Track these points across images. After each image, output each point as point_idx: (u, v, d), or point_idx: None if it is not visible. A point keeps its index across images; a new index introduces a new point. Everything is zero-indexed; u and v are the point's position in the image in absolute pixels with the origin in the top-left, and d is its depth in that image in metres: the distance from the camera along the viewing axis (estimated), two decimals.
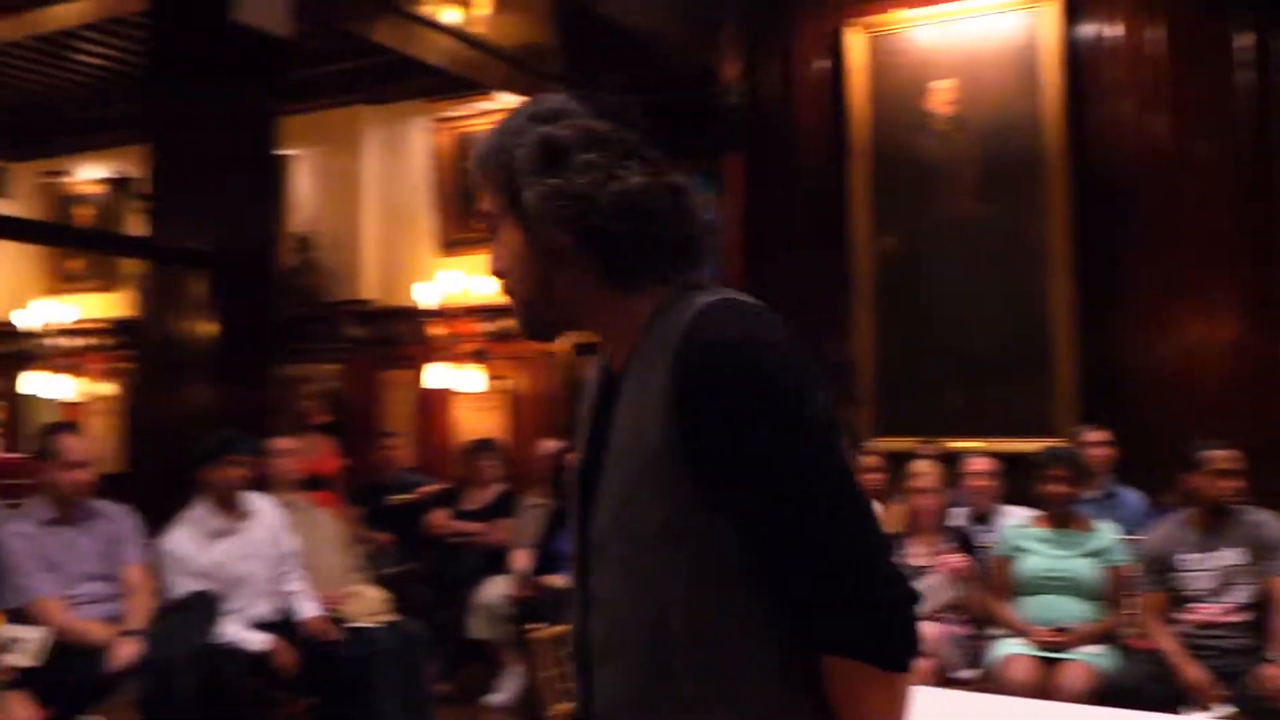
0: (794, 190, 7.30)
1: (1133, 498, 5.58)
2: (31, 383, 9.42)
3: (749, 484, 1.35)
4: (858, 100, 7.06)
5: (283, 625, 4.67)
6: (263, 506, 4.83)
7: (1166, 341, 6.32)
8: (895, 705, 1.37)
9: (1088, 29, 6.59)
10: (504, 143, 1.47)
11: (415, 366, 8.52)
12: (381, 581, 5.47)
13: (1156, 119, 6.44)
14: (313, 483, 5.94)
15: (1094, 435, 5.66)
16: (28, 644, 3.86)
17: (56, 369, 9.49)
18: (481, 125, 8.75)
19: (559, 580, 5.25)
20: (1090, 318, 6.41)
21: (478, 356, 8.25)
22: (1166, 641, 4.29)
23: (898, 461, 5.43)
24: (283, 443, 5.28)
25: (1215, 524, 4.37)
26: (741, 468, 1.35)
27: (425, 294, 8.20)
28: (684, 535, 1.38)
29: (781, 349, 1.38)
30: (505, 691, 5.75)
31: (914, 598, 1.37)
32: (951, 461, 5.61)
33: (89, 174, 10.00)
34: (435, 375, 8.15)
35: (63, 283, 10.21)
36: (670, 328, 1.40)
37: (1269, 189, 6.17)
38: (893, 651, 1.35)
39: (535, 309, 1.52)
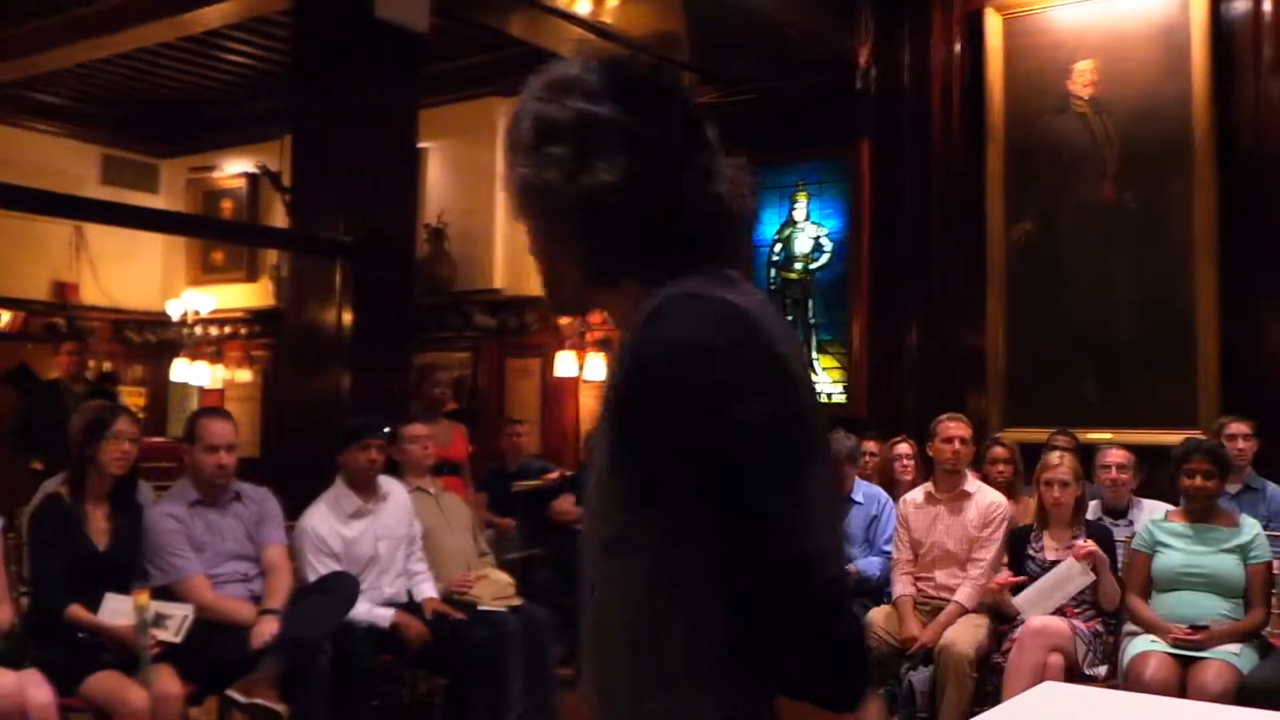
0: (927, 176, 7.18)
1: (1276, 491, 5.37)
2: (177, 369, 9.84)
3: (666, 503, 1.25)
4: (994, 83, 6.90)
5: (408, 605, 4.81)
6: (395, 489, 4.97)
7: None
8: None
9: (1238, 4, 6.33)
10: (518, 112, 1.40)
11: (543, 355, 8.64)
12: (506, 566, 5.58)
13: None
14: (443, 468, 6.08)
15: (1237, 427, 5.45)
16: (173, 620, 4.03)
17: (200, 356, 9.88)
18: None
19: None
20: (1235, 307, 6.17)
21: (603, 345, 8.33)
22: None
23: (1032, 453, 5.33)
24: (416, 428, 5.41)
25: None
26: (659, 483, 1.25)
27: None
28: (637, 549, 1.30)
29: (721, 353, 1.24)
30: None
31: (852, 628, 1.28)
32: (1087, 453, 5.48)
33: (234, 169, 10.39)
34: (562, 364, 8.25)
35: (207, 273, 10.62)
36: (633, 326, 1.32)
37: None
38: (829, 690, 1.22)
39: (550, 288, 1.47)
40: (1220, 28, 6.31)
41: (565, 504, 6.70)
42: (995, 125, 6.90)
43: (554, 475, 7.03)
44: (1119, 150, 6.55)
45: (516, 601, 5.10)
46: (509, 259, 8.88)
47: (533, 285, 8.49)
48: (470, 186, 8.87)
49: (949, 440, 5.09)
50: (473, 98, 8.68)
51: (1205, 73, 6.29)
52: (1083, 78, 6.67)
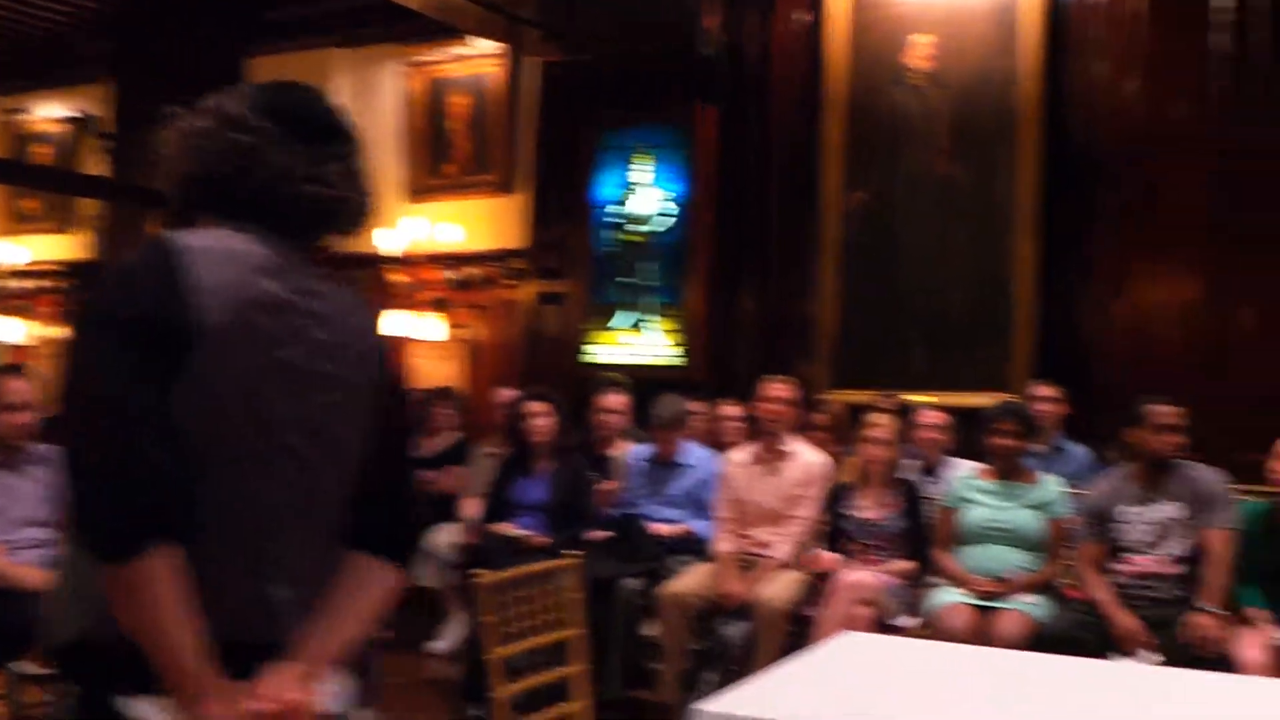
0: (768, 143, 7.26)
1: (1080, 452, 5.61)
2: None
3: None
4: (835, 54, 6.98)
5: None
6: None
7: (1125, 303, 6.33)
8: (123, 592, 1.48)
9: None
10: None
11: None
12: None
13: (1132, 81, 6.41)
14: None
15: (1045, 391, 5.68)
16: None
17: (7, 311, 9.39)
18: (456, 70, 8.68)
19: (509, 528, 5.26)
20: (1053, 278, 6.41)
21: (438, 305, 8.22)
22: (1101, 591, 4.33)
23: (860, 414, 5.44)
24: None
25: (1155, 478, 4.40)
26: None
27: (388, 240, 8.15)
28: None
29: (124, 270, 1.60)
30: (448, 638, 5.76)
31: (140, 498, 1.48)
32: (908, 415, 5.63)
33: (49, 112, 9.88)
34: (394, 323, 8.12)
35: (19, 223, 10.09)
36: None
37: (1239, 154, 6.15)
38: (95, 540, 1.50)
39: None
40: (1052, 9, 6.51)
41: None
42: (835, 95, 6.99)
43: None
44: (952, 124, 6.71)
45: None
46: None
47: (365, 242, 8.34)
48: None
49: (770, 401, 5.17)
50: (311, 47, 8.45)
51: (1036, 52, 6.47)
52: (920, 51, 6.82)
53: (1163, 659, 4.06)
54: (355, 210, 1.78)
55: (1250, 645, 4.10)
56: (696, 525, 5.48)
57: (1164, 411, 4.37)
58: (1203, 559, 4.29)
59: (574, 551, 4.04)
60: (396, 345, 6.34)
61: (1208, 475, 4.40)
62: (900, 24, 6.86)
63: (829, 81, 6.98)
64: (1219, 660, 4.06)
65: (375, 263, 8.24)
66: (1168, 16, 6.34)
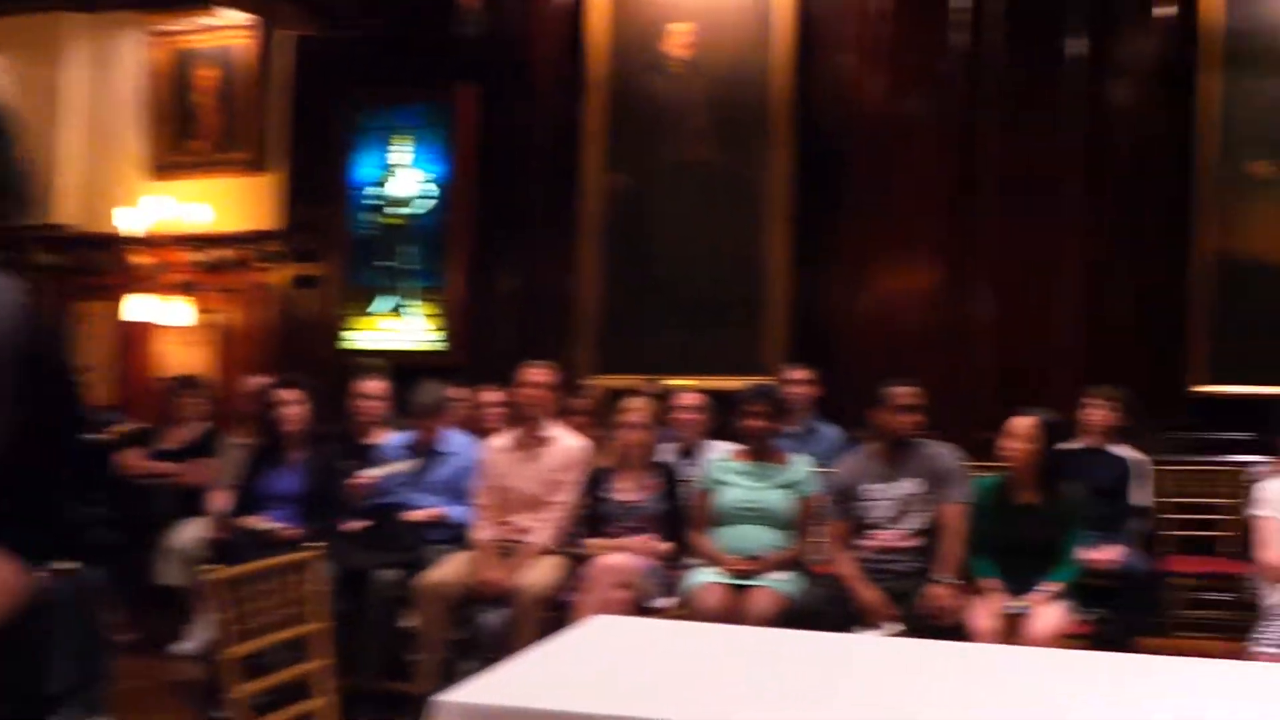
0: (529, 124, 7.22)
1: (831, 433, 5.82)
2: None
3: None
4: (596, 37, 7.01)
5: None
6: None
7: (872, 289, 6.62)
8: None
9: None
10: None
11: (115, 297, 7.96)
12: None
13: (875, 77, 6.68)
14: None
15: (797, 374, 5.86)
16: None
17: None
18: (202, 41, 8.25)
19: (259, 521, 5.04)
20: (804, 264, 6.63)
21: (186, 288, 7.82)
22: (847, 566, 4.50)
23: (622, 398, 5.47)
24: None
25: (896, 456, 4.60)
26: None
27: (130, 220, 7.68)
28: None
29: None
30: (195, 639, 5.49)
31: None
32: (667, 398, 5.70)
33: None
34: (137, 307, 7.67)
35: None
36: None
37: (973, 148, 6.51)
38: None
39: None
40: (803, 3, 6.70)
41: (133, 458, 6.23)
42: (597, 78, 7.01)
43: (123, 428, 6.52)
44: (709, 111, 6.84)
45: (65, 565, 4.66)
46: (79, 192, 8.12)
47: (105, 221, 7.89)
48: (33, 109, 8.03)
49: (528, 386, 5.13)
50: (39, 10, 7.86)
51: (787, 45, 6.68)
52: (679, 39, 6.91)
53: (903, 629, 4.25)
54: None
55: (982, 614, 4.33)
56: (456, 512, 5.39)
57: (903, 393, 4.57)
58: (940, 533, 4.51)
59: (327, 543, 3.89)
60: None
61: (944, 453, 4.63)
62: (660, 11, 6.93)
63: (591, 65, 6.99)
64: (955, 629, 4.28)
65: (115, 243, 7.75)
66: (909, 14, 6.64)
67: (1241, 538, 4.81)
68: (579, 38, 7.03)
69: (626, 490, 4.94)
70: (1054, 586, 4.37)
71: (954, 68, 6.56)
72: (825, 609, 4.37)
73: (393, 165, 7.47)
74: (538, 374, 5.16)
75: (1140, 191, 6.36)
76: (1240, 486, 5.41)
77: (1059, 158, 6.42)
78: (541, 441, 5.13)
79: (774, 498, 4.74)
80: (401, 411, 5.75)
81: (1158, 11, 6.34)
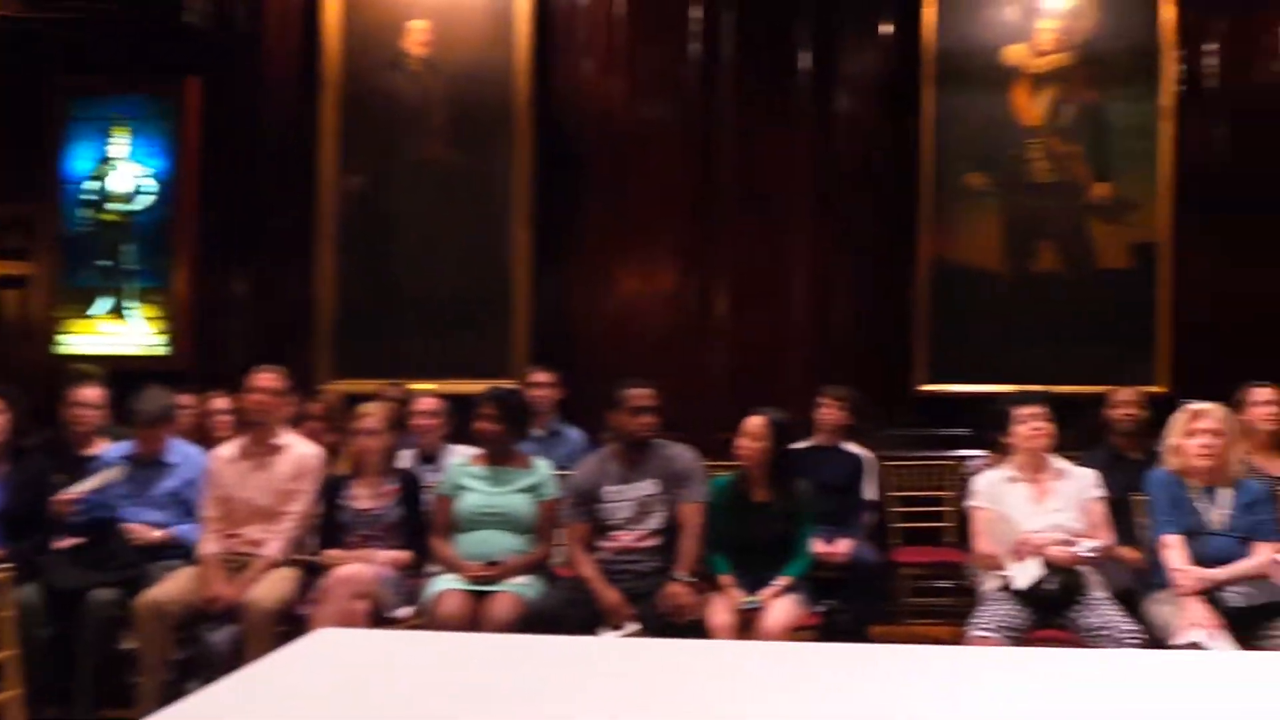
0: (260, 121, 6.91)
1: (576, 435, 5.81)
2: None
3: None
4: (330, 32, 6.78)
5: None
6: None
7: (614, 291, 6.67)
8: None
9: None
10: None
11: None
12: None
13: (615, 82, 6.74)
14: None
15: (540, 376, 5.83)
16: None
17: None
18: None
19: None
20: (546, 266, 6.62)
21: None
22: (587, 568, 4.50)
23: (360, 404, 5.29)
24: None
25: (634, 457, 4.62)
26: None
27: None
28: None
29: None
30: None
31: None
32: (407, 403, 5.56)
33: None
34: None
35: None
36: None
37: (710, 155, 6.65)
38: None
39: None
40: (542, 5, 6.69)
41: None
42: (331, 74, 6.79)
43: None
44: (449, 111, 6.73)
45: None
46: None
47: None
48: None
49: (257, 392, 4.89)
50: None
51: (528, 46, 6.65)
52: (417, 37, 6.76)
53: (641, 629, 4.27)
54: None
55: (719, 610, 4.41)
56: (183, 528, 5.08)
57: (638, 394, 4.60)
58: (678, 532, 4.56)
59: (34, 563, 3.60)
60: None
61: (682, 453, 4.69)
62: (397, 7, 6.79)
63: (325, 60, 6.77)
64: (693, 626, 4.33)
65: None
66: (648, 21, 6.74)
67: (962, 528, 5.07)
68: (313, 32, 6.79)
69: (364, 498, 4.79)
70: (786, 581, 4.49)
71: (691, 76, 6.69)
72: (567, 612, 4.34)
73: (111, 159, 7.00)
74: (267, 379, 4.92)
75: (867, 200, 6.66)
76: (961, 480, 5.71)
77: (791, 166, 6.65)
78: (272, 450, 4.90)
79: (514, 502, 4.68)
80: (122, 420, 5.38)
81: (881, 29, 6.65)
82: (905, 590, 5.92)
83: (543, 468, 4.81)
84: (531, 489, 4.72)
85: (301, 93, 6.81)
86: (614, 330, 6.63)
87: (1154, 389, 6.15)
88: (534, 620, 4.26)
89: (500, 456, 4.75)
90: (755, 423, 4.65)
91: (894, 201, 6.61)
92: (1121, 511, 4.96)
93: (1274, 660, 3.16)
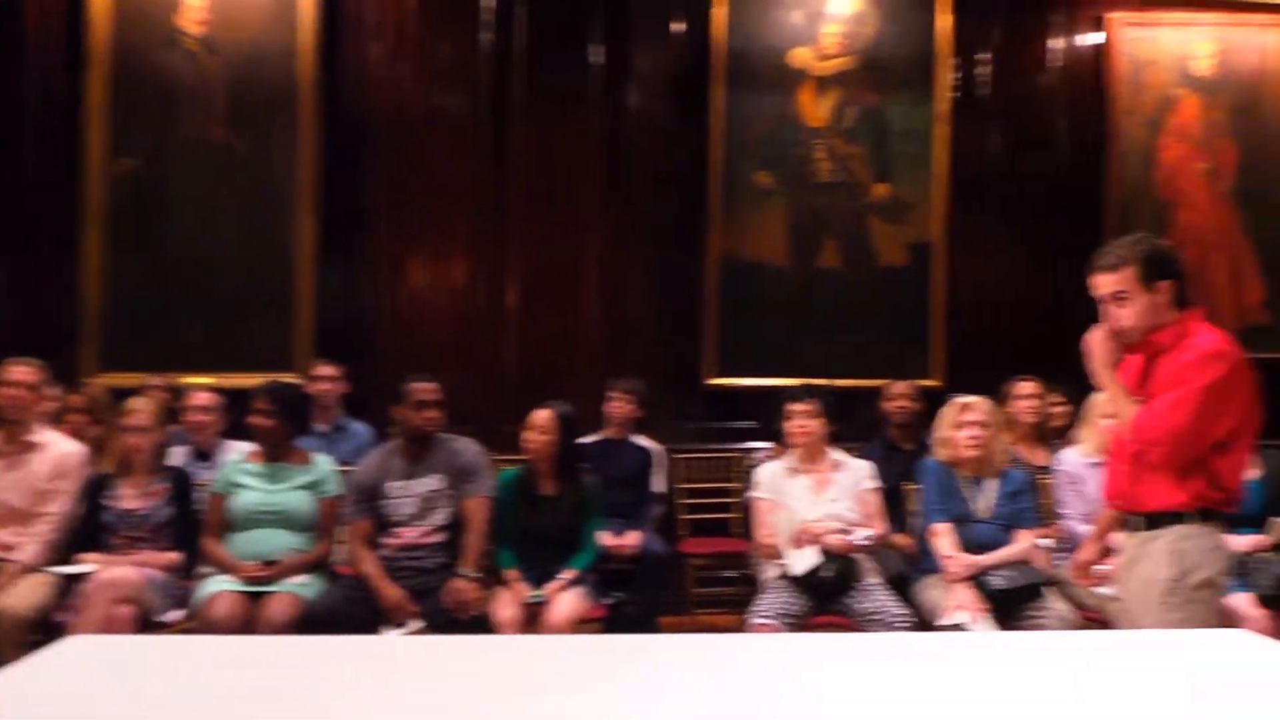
0: (21, 100, 6.45)
1: (362, 430, 5.67)
2: None
3: None
4: (99, 7, 6.37)
5: None
6: None
7: (403, 283, 6.53)
8: None
9: None
10: None
11: None
12: None
13: (405, 68, 6.58)
14: None
15: (324, 370, 5.66)
16: None
17: None
18: None
19: None
20: (333, 258, 6.42)
21: None
22: (369, 566, 4.38)
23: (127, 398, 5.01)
24: None
25: (419, 452, 4.53)
26: None
27: None
28: None
29: None
30: None
31: None
32: (180, 398, 5.31)
33: None
34: None
35: None
36: None
37: (503, 147, 6.58)
38: None
39: None
40: None
41: None
42: (99, 50, 6.39)
43: None
44: (229, 92, 6.44)
45: None
46: None
47: None
48: None
49: (10, 386, 4.57)
50: None
51: (312, 28, 6.41)
52: (193, 15, 6.45)
53: (425, 626, 4.19)
54: None
55: (504, 605, 4.36)
56: None
57: (422, 388, 4.51)
58: (463, 527, 4.49)
59: None
60: None
61: (467, 446, 4.63)
62: None
63: (93, 35, 6.37)
64: (478, 622, 4.27)
65: None
66: (438, 9, 6.61)
67: (748, 519, 5.17)
68: (78, 5, 6.38)
69: (130, 497, 4.55)
70: (571, 574, 4.49)
71: (483, 66, 6.60)
72: (348, 611, 4.22)
73: None
74: (21, 372, 4.61)
75: (659, 196, 6.70)
76: (747, 472, 5.83)
77: (583, 160, 6.64)
78: (28, 447, 4.59)
79: (292, 499, 4.53)
80: None
81: (673, 27, 6.72)
82: (693, 581, 6.00)
83: (323, 464, 4.66)
84: (311, 486, 4.57)
85: (67, 69, 6.39)
86: (403, 322, 6.48)
87: (928, 383, 6.41)
88: (313, 620, 4.13)
89: (278, 453, 4.58)
90: (542, 416, 4.63)
91: (685, 197, 6.68)
92: (895, 501, 5.17)
93: (1031, 639, 3.32)
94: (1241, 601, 4.38)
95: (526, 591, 4.42)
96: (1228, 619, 3.75)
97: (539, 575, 4.50)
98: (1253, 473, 4.53)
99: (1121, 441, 3.28)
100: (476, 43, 6.59)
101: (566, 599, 4.40)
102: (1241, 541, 4.51)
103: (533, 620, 4.35)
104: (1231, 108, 7.02)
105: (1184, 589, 3.07)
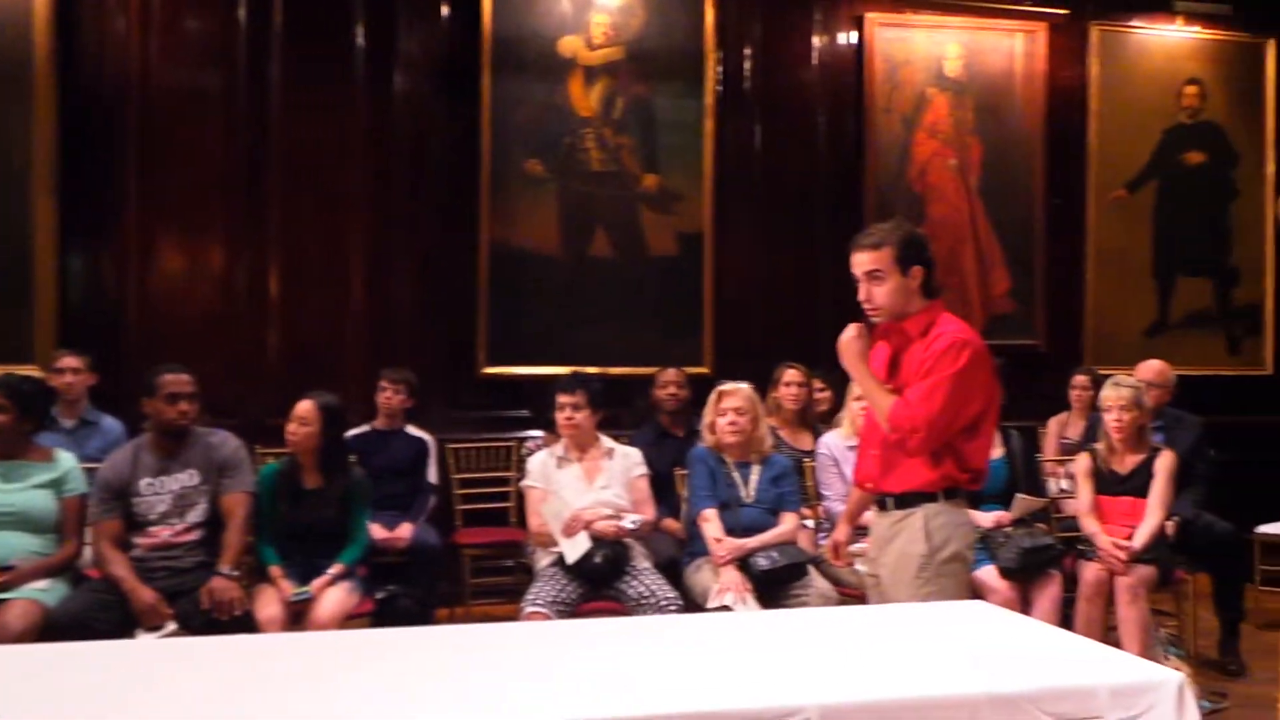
0: None
1: (113, 425, 5.36)
2: None
3: None
4: None
5: None
6: None
7: (156, 270, 6.21)
8: None
9: None
10: None
11: None
12: None
13: (153, 44, 6.22)
14: None
15: (69, 361, 5.31)
16: None
17: None
18: None
19: None
20: (76, 242, 6.06)
21: None
22: (119, 568, 4.15)
23: None
24: None
25: (172, 447, 4.32)
26: None
27: None
28: None
29: None
30: None
31: None
32: None
33: None
34: None
35: None
36: None
37: (262, 129, 6.32)
38: None
39: None
40: None
41: None
42: None
43: None
44: None
45: None
46: None
47: None
48: None
49: None
50: None
51: (46, 2, 6.00)
52: None
53: (182, 628, 4.01)
54: None
55: (268, 604, 4.22)
56: None
57: (175, 380, 4.29)
58: (222, 524, 4.31)
59: None
60: None
61: (225, 440, 4.44)
62: None
63: None
64: (241, 621, 4.11)
65: None
66: None
67: (522, 508, 5.16)
68: None
69: None
70: (338, 569, 4.38)
71: (238, 44, 6.31)
72: (96, 616, 3.99)
73: None
74: None
75: (427, 182, 6.59)
76: (521, 461, 5.82)
77: (347, 145, 6.44)
78: None
79: (32, 499, 4.23)
80: None
81: (442, 11, 6.60)
82: (470, 571, 5.94)
83: (66, 461, 4.38)
84: (52, 484, 4.29)
85: None
86: (156, 311, 6.14)
87: (698, 370, 6.54)
88: (56, 627, 3.87)
89: (14, 450, 4.27)
90: (304, 407, 4.50)
91: (455, 184, 6.59)
92: (667, 486, 5.27)
93: (793, 616, 3.43)
94: (987, 574, 4.65)
95: (291, 589, 4.29)
96: (974, 591, 3.98)
97: (305, 571, 4.38)
98: (996, 452, 4.82)
99: (871, 425, 3.43)
100: (232, 19, 6.29)
101: (333, 594, 4.29)
102: (986, 518, 4.79)
103: (298, 618, 4.22)
104: (978, 107, 7.43)
105: (935, 564, 3.23)
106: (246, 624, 4.10)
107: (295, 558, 4.42)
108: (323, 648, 2.83)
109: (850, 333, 3.34)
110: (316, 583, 4.30)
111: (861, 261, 3.28)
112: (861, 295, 3.30)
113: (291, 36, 6.36)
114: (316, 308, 6.39)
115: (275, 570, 4.35)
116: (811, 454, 5.27)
